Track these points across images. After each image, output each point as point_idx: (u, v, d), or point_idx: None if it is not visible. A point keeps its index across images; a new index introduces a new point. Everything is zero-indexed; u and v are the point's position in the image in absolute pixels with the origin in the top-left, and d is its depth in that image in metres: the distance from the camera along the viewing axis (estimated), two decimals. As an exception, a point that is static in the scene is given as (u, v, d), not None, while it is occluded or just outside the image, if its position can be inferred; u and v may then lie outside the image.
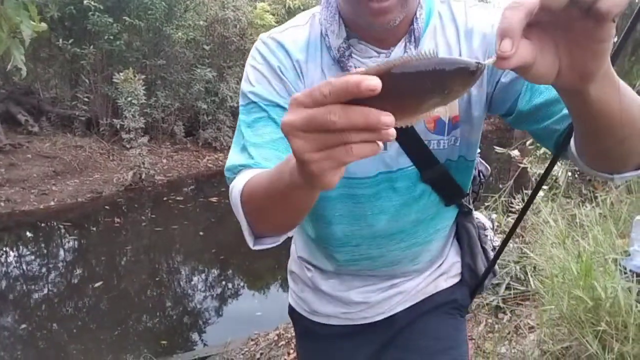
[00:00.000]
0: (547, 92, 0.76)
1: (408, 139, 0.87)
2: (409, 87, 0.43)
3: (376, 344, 1.11)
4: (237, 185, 0.74)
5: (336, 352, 1.13)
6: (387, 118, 0.41)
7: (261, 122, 0.84)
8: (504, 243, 1.10)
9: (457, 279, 1.13)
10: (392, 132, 0.42)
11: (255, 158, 0.80)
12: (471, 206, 1.10)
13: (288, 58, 0.86)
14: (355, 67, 0.82)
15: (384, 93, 0.41)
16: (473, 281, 1.14)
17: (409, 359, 1.08)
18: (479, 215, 1.21)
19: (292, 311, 1.19)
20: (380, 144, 0.43)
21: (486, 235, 1.17)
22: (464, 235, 1.12)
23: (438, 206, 0.98)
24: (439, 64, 0.43)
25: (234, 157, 0.83)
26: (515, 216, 3.86)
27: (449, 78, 0.43)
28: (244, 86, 0.88)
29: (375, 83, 0.39)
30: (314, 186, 0.48)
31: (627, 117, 0.58)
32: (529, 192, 3.89)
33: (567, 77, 0.50)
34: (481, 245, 1.14)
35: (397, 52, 0.83)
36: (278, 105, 0.84)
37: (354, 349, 1.12)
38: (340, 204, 0.94)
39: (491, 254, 1.17)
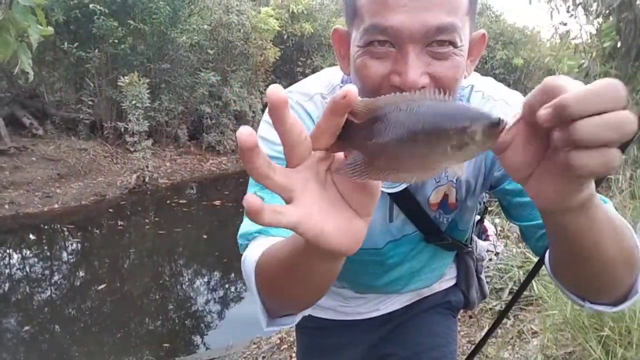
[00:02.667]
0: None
1: (416, 215, 0.90)
2: (423, 127, 0.39)
3: (371, 340, 1.14)
4: (250, 255, 0.68)
5: (330, 346, 1.16)
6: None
7: None
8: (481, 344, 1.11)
9: (452, 282, 1.17)
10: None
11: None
12: (471, 247, 1.13)
13: None
14: None
15: (395, 134, 0.38)
16: (462, 303, 1.19)
17: (403, 354, 1.11)
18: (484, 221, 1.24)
19: None
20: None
21: (482, 266, 1.20)
22: (462, 266, 1.15)
23: (435, 250, 1.01)
24: (458, 110, 0.40)
25: (247, 223, 0.76)
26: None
27: (468, 127, 0.39)
28: (262, 145, 0.76)
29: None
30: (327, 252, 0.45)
31: (600, 255, 0.54)
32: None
33: (534, 189, 0.47)
34: (477, 275, 1.18)
35: None
36: None
37: (349, 344, 1.15)
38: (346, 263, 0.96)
39: (485, 281, 1.22)
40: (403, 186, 0.84)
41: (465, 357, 1.20)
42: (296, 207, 0.41)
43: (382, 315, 1.12)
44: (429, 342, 1.12)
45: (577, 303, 0.65)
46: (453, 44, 0.64)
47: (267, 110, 0.83)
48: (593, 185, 0.46)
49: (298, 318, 0.68)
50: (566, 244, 0.55)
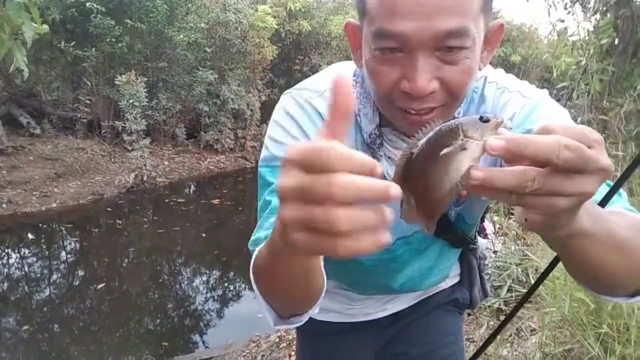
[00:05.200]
0: None
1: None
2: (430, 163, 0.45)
3: (381, 340, 1.13)
4: (253, 260, 0.69)
5: (338, 350, 1.14)
6: (395, 189, 0.36)
7: None
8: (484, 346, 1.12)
9: (456, 279, 1.16)
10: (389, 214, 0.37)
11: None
12: (477, 243, 1.12)
13: None
14: (386, 156, 0.80)
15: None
16: (468, 300, 1.18)
17: (414, 353, 1.10)
18: (486, 226, 1.24)
19: None
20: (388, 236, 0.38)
21: (485, 265, 1.20)
22: (465, 265, 1.15)
23: (442, 248, 0.99)
24: (451, 122, 0.45)
25: (257, 231, 0.76)
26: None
27: (463, 129, 0.44)
28: (272, 146, 0.80)
29: (379, 169, 0.37)
30: (296, 254, 0.46)
31: (607, 268, 0.55)
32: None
33: (520, 219, 0.48)
34: (479, 274, 1.17)
35: None
36: None
37: (357, 346, 1.13)
38: (353, 264, 0.95)
39: (486, 279, 1.22)
40: None
41: (469, 357, 1.20)
42: None
43: (390, 315, 1.11)
44: (440, 340, 1.11)
45: (594, 295, 0.66)
46: (463, 48, 0.63)
47: (276, 110, 0.84)
48: (582, 218, 0.47)
49: (305, 317, 0.69)
50: (568, 260, 0.56)
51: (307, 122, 0.80)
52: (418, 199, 0.48)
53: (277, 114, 0.83)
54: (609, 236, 0.52)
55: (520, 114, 0.75)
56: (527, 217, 0.45)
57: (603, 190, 0.67)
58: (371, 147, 0.80)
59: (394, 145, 0.80)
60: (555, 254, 0.76)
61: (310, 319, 1.12)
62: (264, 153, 0.82)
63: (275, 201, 0.75)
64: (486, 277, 1.21)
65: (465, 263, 1.14)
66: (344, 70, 0.86)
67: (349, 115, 0.39)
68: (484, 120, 0.44)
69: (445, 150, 0.44)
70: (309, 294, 0.64)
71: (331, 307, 1.10)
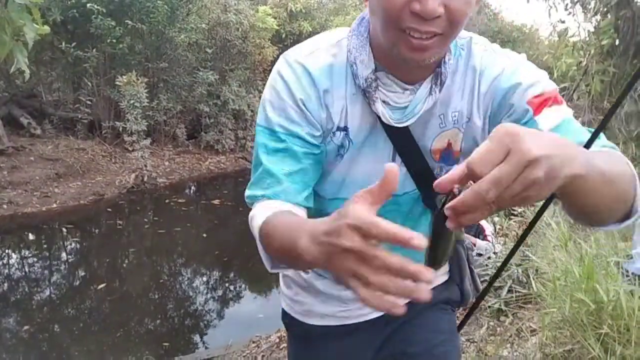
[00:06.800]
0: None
1: (417, 166, 0.90)
2: None
3: (377, 341, 1.13)
4: (256, 218, 0.80)
5: (332, 353, 1.13)
6: (428, 273, 0.47)
7: (280, 154, 0.85)
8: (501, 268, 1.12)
9: (446, 277, 1.17)
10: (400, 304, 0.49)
11: (273, 189, 0.84)
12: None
13: (313, 87, 0.85)
14: (381, 100, 0.84)
15: None
16: (459, 297, 1.18)
17: (411, 351, 1.11)
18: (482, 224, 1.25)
19: (285, 316, 1.18)
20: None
21: (473, 256, 1.23)
22: (454, 257, 1.15)
23: (427, 212, 1.00)
24: None
25: (253, 186, 0.87)
26: (517, 219, 3.86)
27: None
28: (266, 108, 0.87)
29: (415, 241, 0.46)
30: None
31: (600, 206, 0.63)
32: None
33: None
34: (469, 265, 1.18)
35: (422, 93, 0.84)
36: (298, 137, 0.85)
37: (353, 347, 1.12)
38: None
39: (476, 273, 1.22)
40: (406, 123, 0.85)
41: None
42: None
43: (384, 315, 1.10)
44: (435, 338, 1.12)
45: (587, 227, 0.76)
46: None
47: (271, 73, 0.89)
48: (574, 166, 0.51)
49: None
50: (571, 203, 0.62)
51: (294, 81, 0.85)
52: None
53: (271, 76, 0.89)
54: (601, 174, 0.58)
55: (509, 69, 0.83)
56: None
57: (587, 135, 0.76)
58: (367, 90, 0.83)
59: (388, 89, 0.84)
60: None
61: (305, 324, 1.13)
62: (259, 114, 0.89)
63: (266, 164, 0.84)
64: (486, 278, 1.22)
65: (453, 254, 1.14)
66: (341, 32, 0.90)
67: (389, 196, 0.50)
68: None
69: None
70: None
71: (327, 311, 1.10)
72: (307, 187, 0.86)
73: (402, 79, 0.83)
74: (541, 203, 0.98)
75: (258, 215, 0.80)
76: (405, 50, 0.74)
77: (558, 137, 0.55)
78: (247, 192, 0.87)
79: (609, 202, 0.64)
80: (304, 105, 0.84)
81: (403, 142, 0.88)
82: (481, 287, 1.24)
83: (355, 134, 0.87)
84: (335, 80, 0.86)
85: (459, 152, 0.91)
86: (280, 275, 1.20)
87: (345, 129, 0.87)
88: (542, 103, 0.78)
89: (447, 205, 0.50)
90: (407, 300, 0.48)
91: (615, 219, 0.70)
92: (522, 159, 0.46)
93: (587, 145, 0.74)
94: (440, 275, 1.15)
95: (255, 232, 0.79)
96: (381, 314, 1.10)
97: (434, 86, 0.84)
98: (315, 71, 0.85)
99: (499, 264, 3.03)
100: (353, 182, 0.91)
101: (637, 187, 0.69)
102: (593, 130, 0.79)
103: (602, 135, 0.78)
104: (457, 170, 0.51)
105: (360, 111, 0.86)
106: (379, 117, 0.85)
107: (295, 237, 0.61)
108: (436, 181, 0.52)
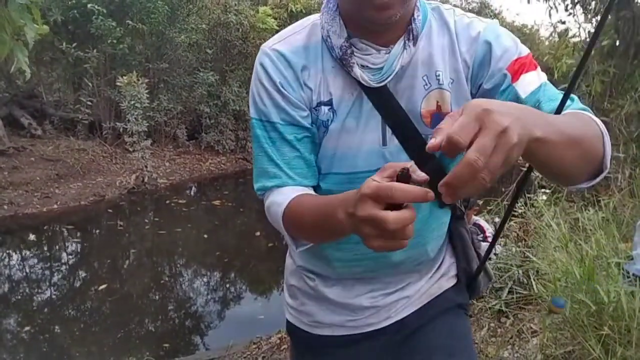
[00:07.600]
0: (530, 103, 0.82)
1: (407, 132, 0.90)
2: None
3: (387, 349, 1.08)
4: (274, 205, 0.87)
5: None
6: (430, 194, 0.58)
7: (277, 143, 0.89)
8: (494, 239, 1.11)
9: (455, 280, 1.14)
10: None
11: (280, 177, 0.89)
12: (463, 209, 1.13)
13: (290, 69, 0.88)
14: (358, 65, 0.86)
15: None
16: (470, 283, 1.15)
17: (429, 357, 1.06)
18: (480, 221, 1.22)
19: (290, 327, 1.16)
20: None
21: (479, 240, 1.20)
22: (458, 241, 1.13)
23: (432, 207, 0.99)
24: None
25: (260, 178, 0.92)
26: (518, 220, 3.86)
27: None
28: (257, 100, 0.91)
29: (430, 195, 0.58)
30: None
31: (568, 165, 0.65)
32: (532, 195, 3.88)
33: None
34: (475, 250, 1.16)
35: (397, 50, 0.85)
36: (288, 122, 0.88)
37: (362, 356, 1.09)
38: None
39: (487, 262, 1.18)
40: (386, 81, 0.86)
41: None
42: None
43: (395, 322, 1.07)
44: (456, 346, 1.07)
45: (562, 187, 0.79)
46: None
47: (254, 67, 0.93)
48: (533, 130, 0.54)
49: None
50: (534, 162, 0.65)
51: (271, 66, 0.89)
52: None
53: (255, 68, 0.93)
54: (561, 135, 0.61)
55: (486, 33, 0.87)
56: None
57: (559, 97, 0.81)
58: (344, 58, 0.86)
59: (364, 52, 0.86)
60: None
61: (312, 335, 1.10)
62: (250, 107, 0.93)
63: (266, 153, 0.89)
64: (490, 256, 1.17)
65: (457, 238, 1.12)
66: (313, 16, 0.95)
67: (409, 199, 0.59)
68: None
69: None
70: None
71: (335, 321, 1.07)
72: (310, 166, 0.91)
73: (376, 43, 0.86)
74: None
75: (277, 203, 0.86)
76: (370, 11, 0.78)
77: (519, 105, 0.60)
78: (256, 185, 0.91)
79: (575, 162, 0.66)
80: (284, 88, 0.87)
81: (389, 109, 0.88)
82: (492, 273, 1.22)
83: (338, 105, 0.89)
84: (311, 57, 0.89)
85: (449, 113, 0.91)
86: (285, 285, 1.17)
87: (330, 103, 0.89)
88: (519, 69, 0.83)
89: (441, 182, 0.53)
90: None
91: (585, 178, 0.73)
92: (496, 128, 0.50)
93: (558, 109, 0.78)
94: (450, 278, 1.12)
95: (279, 217, 0.84)
96: (391, 321, 1.07)
97: (407, 42, 0.86)
98: (289, 53, 0.89)
99: (499, 265, 3.04)
100: (344, 155, 0.91)
101: (607, 145, 0.72)
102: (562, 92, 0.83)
103: (576, 98, 0.81)
104: (437, 138, 0.54)
105: (342, 83, 0.88)
106: (360, 83, 0.86)
107: (331, 212, 0.71)
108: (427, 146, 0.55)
